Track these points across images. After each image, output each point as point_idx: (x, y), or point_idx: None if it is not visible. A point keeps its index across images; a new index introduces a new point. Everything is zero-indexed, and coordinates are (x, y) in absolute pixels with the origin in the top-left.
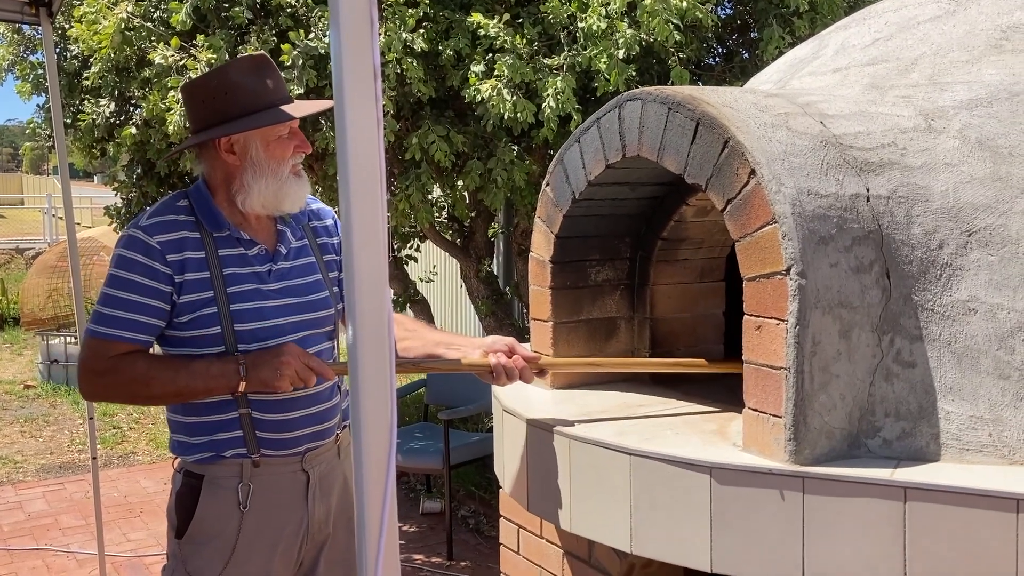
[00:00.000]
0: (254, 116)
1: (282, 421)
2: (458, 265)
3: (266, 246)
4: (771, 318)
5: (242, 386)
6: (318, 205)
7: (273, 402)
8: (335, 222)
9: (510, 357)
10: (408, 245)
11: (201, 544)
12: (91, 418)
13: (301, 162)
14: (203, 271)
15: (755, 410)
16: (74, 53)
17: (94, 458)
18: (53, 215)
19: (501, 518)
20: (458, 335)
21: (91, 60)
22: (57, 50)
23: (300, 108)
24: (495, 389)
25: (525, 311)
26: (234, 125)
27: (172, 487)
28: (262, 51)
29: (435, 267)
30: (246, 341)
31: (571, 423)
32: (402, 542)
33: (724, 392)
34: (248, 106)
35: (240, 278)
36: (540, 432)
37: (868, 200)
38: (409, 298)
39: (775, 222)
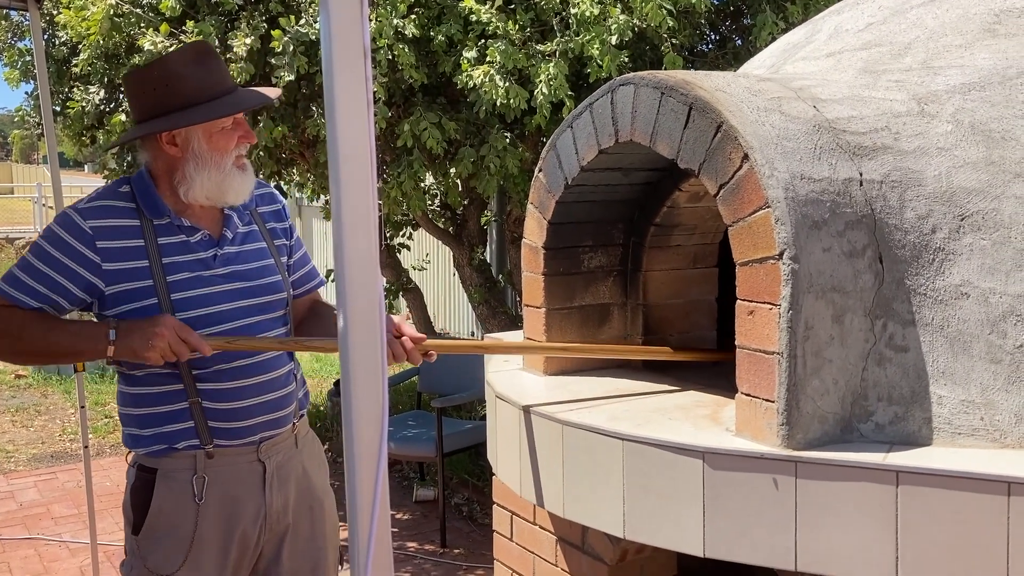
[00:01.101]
0: (195, 109)
1: (234, 410)
2: (451, 253)
3: (210, 232)
4: (764, 303)
5: (110, 350)
6: (267, 190)
7: (224, 391)
8: (284, 207)
9: (398, 336)
10: (401, 233)
11: (159, 539)
12: (82, 407)
13: (246, 153)
14: (141, 259)
15: (748, 395)
16: (63, 40)
17: (86, 447)
18: (43, 204)
19: (494, 505)
20: None
21: (80, 47)
22: (45, 36)
23: (244, 99)
24: (489, 377)
25: (518, 299)
26: (175, 119)
27: (127, 482)
28: (204, 40)
29: (428, 255)
30: (193, 329)
31: (564, 409)
32: (395, 530)
33: (717, 378)
34: (190, 98)
35: (181, 266)
36: (533, 418)
37: (861, 184)
38: (402, 286)
39: (768, 206)
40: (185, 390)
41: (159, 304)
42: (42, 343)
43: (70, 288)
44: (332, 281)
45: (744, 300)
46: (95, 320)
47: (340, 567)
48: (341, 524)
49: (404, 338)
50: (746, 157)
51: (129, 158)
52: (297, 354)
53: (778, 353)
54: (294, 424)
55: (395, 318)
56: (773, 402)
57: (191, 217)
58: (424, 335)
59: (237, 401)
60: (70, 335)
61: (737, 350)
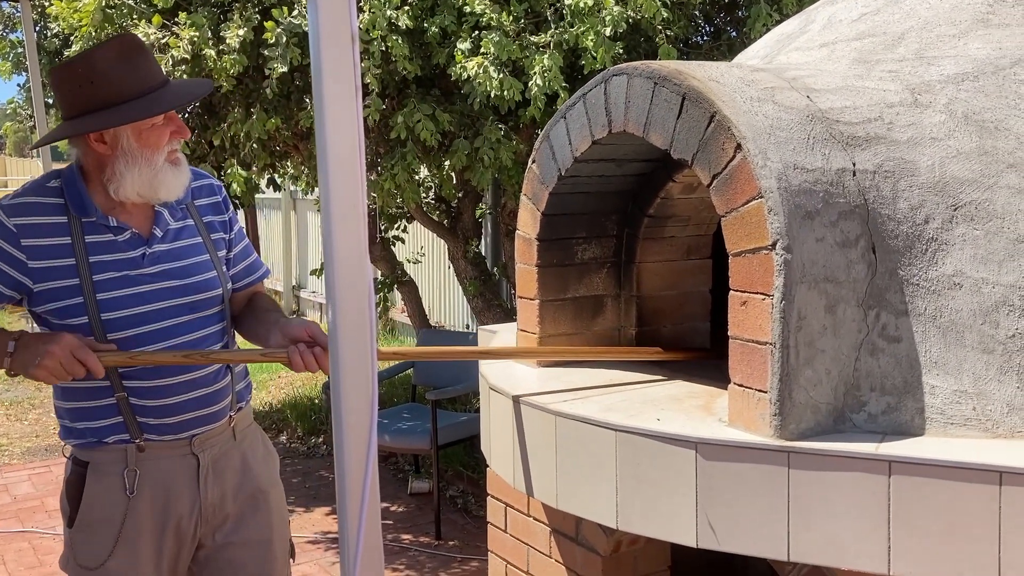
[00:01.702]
0: (123, 108)
1: (162, 407)
2: (446, 246)
3: (139, 230)
4: (757, 293)
5: (7, 362)
6: (206, 181)
7: (150, 388)
8: (224, 199)
9: (311, 346)
10: (395, 226)
11: (89, 531)
12: None
13: (179, 147)
14: (68, 258)
15: (741, 385)
16: (54, 31)
17: None
18: None
19: (488, 496)
20: (273, 315)
21: (72, 39)
22: (37, 28)
23: (175, 95)
24: (482, 368)
25: (513, 292)
26: (101, 118)
27: (64, 475)
28: (131, 33)
29: (422, 248)
30: (117, 330)
31: (557, 400)
32: (390, 522)
33: (710, 368)
34: (116, 95)
35: (107, 265)
36: (526, 409)
37: (854, 174)
38: (397, 279)
39: (761, 197)
40: (111, 386)
41: (84, 303)
42: None
43: None
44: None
45: (737, 291)
46: (3, 330)
47: (292, 560)
48: (332, 517)
49: (317, 348)
50: (739, 147)
51: None
52: (237, 344)
53: (771, 343)
54: (231, 417)
55: (312, 326)
56: (766, 392)
57: (121, 215)
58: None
59: (166, 398)
60: None
61: (730, 341)
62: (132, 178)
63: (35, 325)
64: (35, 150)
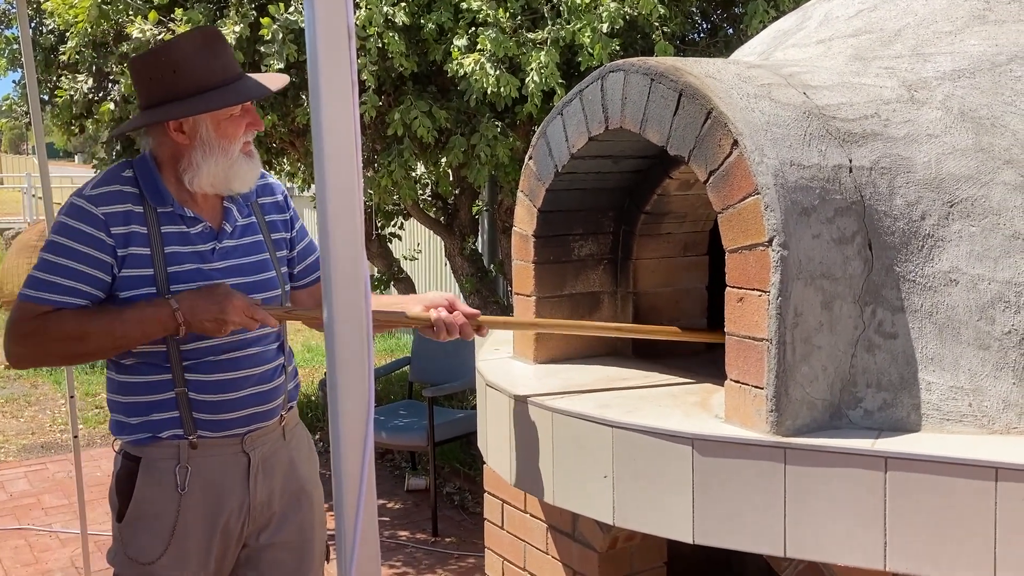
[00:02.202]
0: (204, 97)
1: (220, 402)
2: (442, 243)
3: (211, 224)
4: (753, 289)
5: (182, 331)
6: (268, 180)
7: (211, 383)
8: (285, 197)
9: (451, 312)
10: (392, 223)
11: (141, 527)
12: (72, 397)
13: (252, 140)
14: (144, 247)
15: (737, 381)
16: (50, 27)
17: (75, 437)
18: (33, 195)
19: (485, 493)
20: (400, 296)
21: (67, 35)
22: (32, 24)
23: (254, 87)
24: (479, 365)
25: (510, 289)
26: (184, 107)
27: (113, 469)
28: (212, 26)
29: (419, 245)
30: None
31: (554, 396)
32: (387, 519)
33: (707, 365)
34: (198, 85)
35: (181, 257)
36: (523, 406)
37: (851, 171)
38: (393, 276)
39: (757, 193)
40: (172, 380)
41: (158, 293)
42: (108, 340)
43: (98, 275)
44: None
45: (733, 287)
46: (148, 303)
47: (327, 560)
48: (329, 514)
49: (456, 312)
50: (736, 143)
51: (118, 147)
52: (289, 344)
53: (767, 340)
54: (282, 416)
55: (448, 295)
56: (762, 388)
57: (194, 207)
58: (478, 311)
59: (223, 393)
60: (135, 323)
61: (726, 337)
62: (208, 168)
63: None
64: (27, 147)
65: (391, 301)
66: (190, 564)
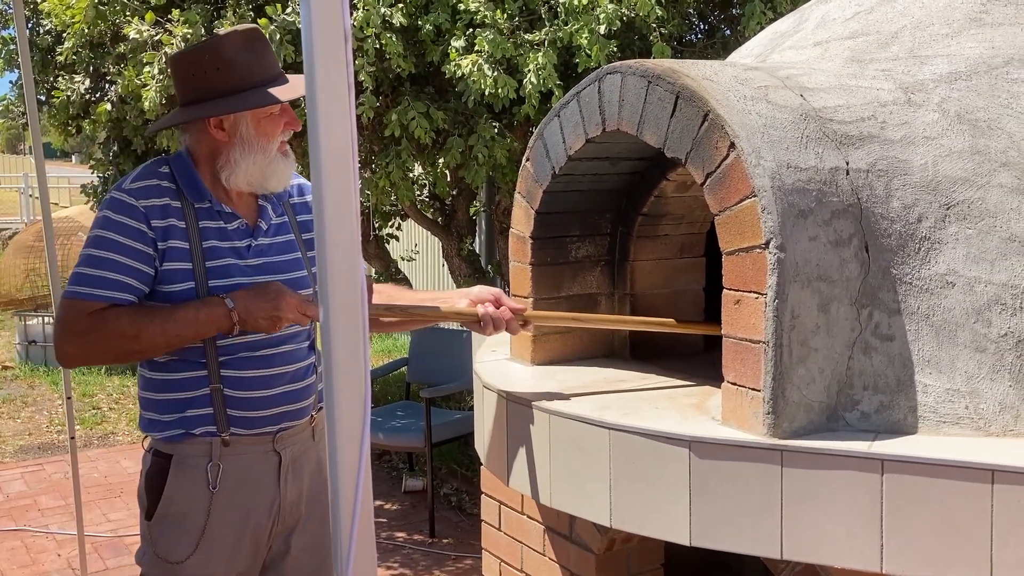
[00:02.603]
0: (246, 95)
1: (254, 399)
2: (440, 244)
3: (247, 221)
4: (750, 292)
5: (236, 330)
6: (301, 180)
7: (246, 379)
8: None
9: (497, 307)
10: (389, 224)
11: (170, 525)
12: (68, 397)
13: (288, 139)
14: (184, 241)
15: (734, 384)
16: (47, 28)
17: (72, 437)
18: (30, 195)
19: (482, 495)
20: (445, 292)
21: (64, 35)
22: (29, 25)
23: (295, 86)
24: (476, 366)
25: (507, 290)
26: (226, 104)
27: (142, 467)
28: (255, 25)
29: (417, 246)
30: None
31: (551, 398)
32: (384, 520)
33: (704, 367)
34: (240, 83)
35: (219, 252)
36: (520, 407)
37: (847, 173)
38: (390, 277)
39: (754, 195)
40: (208, 376)
41: (196, 288)
42: (161, 339)
43: (143, 269)
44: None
45: (730, 289)
46: (203, 302)
47: None
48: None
49: (503, 308)
50: (732, 146)
51: (115, 148)
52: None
53: (764, 342)
54: (312, 416)
55: (495, 290)
56: (759, 391)
57: (229, 203)
58: (524, 306)
59: (258, 390)
60: (190, 323)
61: (723, 339)
62: (247, 166)
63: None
64: (24, 147)
65: (437, 296)
66: (219, 564)
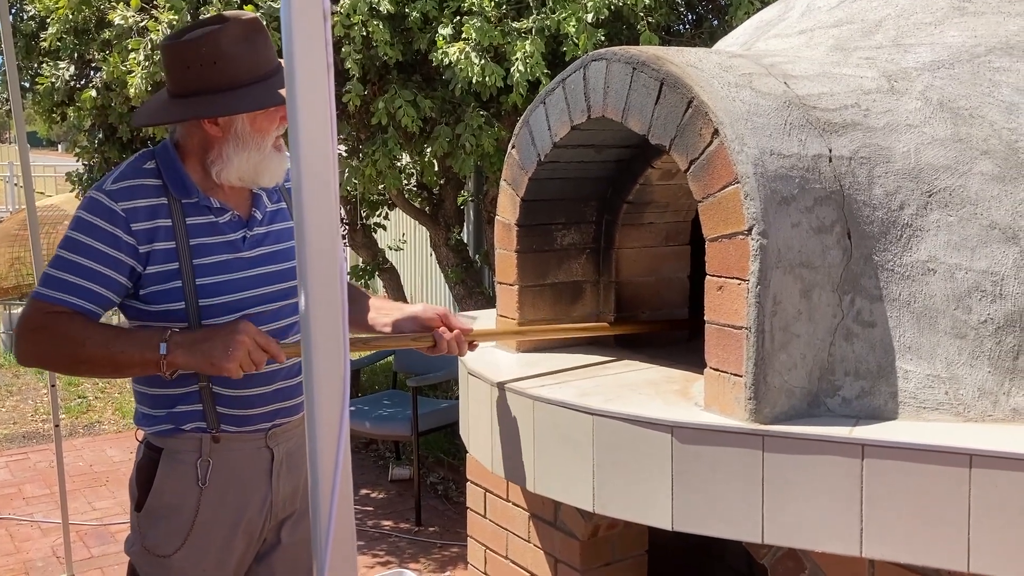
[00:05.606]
0: (243, 92)
1: (243, 397)
2: (427, 233)
3: (239, 212)
4: (733, 278)
5: (164, 365)
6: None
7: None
8: None
9: (450, 329)
10: (376, 213)
11: (159, 518)
12: (53, 385)
13: (283, 134)
14: (169, 240)
15: (716, 370)
16: (31, 14)
17: (56, 425)
18: (15, 184)
19: (468, 482)
20: (385, 300)
21: (48, 21)
22: (13, 10)
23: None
24: None
25: (495, 279)
26: (224, 103)
27: (135, 458)
28: (254, 15)
29: (404, 235)
30: (213, 316)
31: (535, 385)
32: (370, 508)
33: (687, 354)
34: (237, 79)
35: (208, 249)
36: (504, 394)
37: (830, 160)
38: (378, 266)
39: (737, 182)
40: (197, 373)
41: (183, 288)
42: (104, 351)
43: (114, 277)
44: None
45: (713, 276)
46: (152, 328)
47: None
48: None
49: (456, 331)
50: (716, 133)
51: (100, 135)
52: None
53: (746, 328)
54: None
55: (440, 309)
56: (741, 376)
57: (220, 196)
58: (470, 327)
59: (247, 388)
60: (129, 346)
61: (706, 325)
62: (239, 162)
63: (122, 316)
64: (10, 136)
65: (379, 306)
66: (208, 559)
